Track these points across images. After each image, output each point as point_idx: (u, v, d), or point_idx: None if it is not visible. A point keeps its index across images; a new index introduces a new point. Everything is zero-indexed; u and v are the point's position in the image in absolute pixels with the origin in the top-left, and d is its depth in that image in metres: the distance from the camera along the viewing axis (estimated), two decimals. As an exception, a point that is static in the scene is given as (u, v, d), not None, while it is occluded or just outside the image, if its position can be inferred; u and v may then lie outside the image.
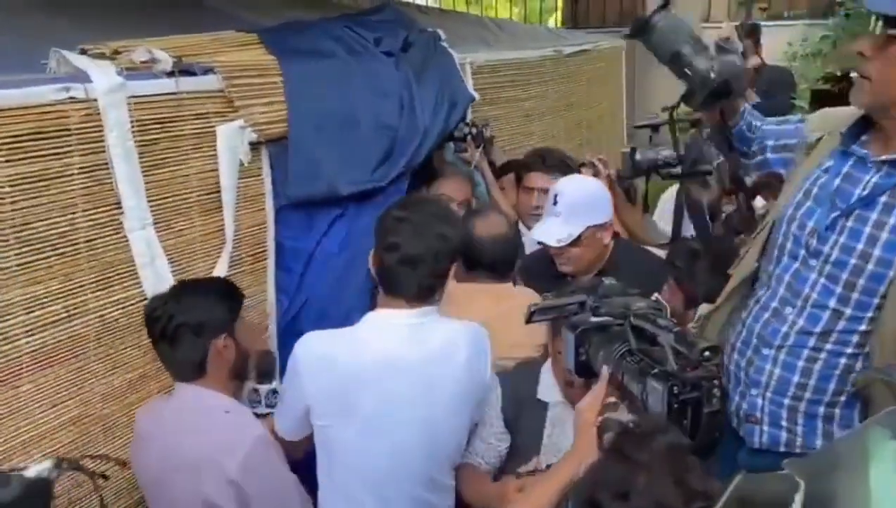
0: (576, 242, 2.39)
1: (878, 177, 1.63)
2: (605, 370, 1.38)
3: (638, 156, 2.70)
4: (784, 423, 1.78)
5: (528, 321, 1.56)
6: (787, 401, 1.76)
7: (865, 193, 1.63)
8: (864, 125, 1.70)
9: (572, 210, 2.40)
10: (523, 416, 2.04)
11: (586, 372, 1.46)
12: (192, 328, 1.86)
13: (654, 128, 2.76)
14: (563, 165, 2.95)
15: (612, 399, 1.40)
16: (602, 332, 1.42)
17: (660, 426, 1.06)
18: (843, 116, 1.77)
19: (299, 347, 1.84)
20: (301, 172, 2.41)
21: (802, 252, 1.73)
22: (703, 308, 2.10)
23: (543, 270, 2.54)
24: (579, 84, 4.32)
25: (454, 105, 2.94)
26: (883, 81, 1.58)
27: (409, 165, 2.67)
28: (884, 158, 1.63)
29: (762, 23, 6.24)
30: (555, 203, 2.44)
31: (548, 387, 2.03)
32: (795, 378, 1.74)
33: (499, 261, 2.39)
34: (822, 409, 1.73)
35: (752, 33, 4.80)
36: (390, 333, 1.81)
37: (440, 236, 1.79)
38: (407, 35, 2.91)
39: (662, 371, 1.21)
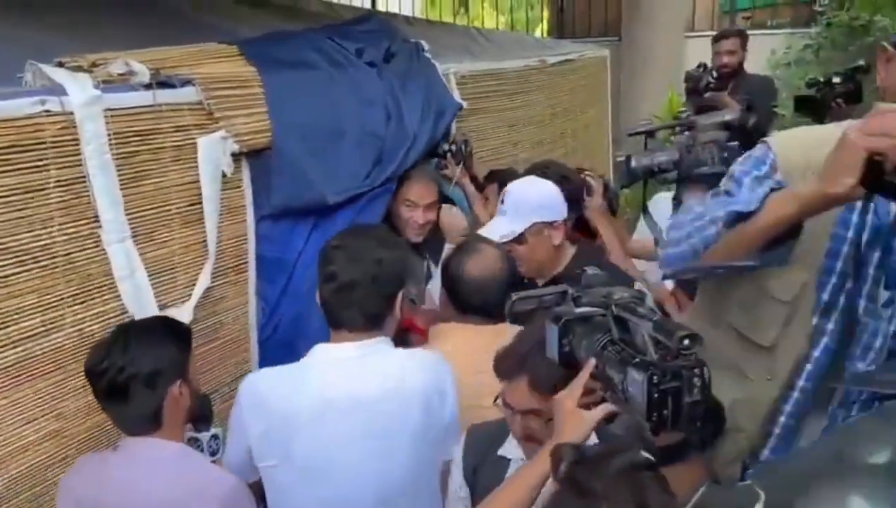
0: (521, 239, 2.38)
1: None
2: (590, 361, 1.35)
3: (633, 162, 2.68)
4: None
5: (510, 312, 1.54)
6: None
7: None
8: None
9: (517, 207, 2.41)
10: (482, 472, 1.82)
11: (570, 364, 1.43)
12: (144, 378, 1.69)
13: (650, 134, 2.74)
14: (565, 179, 2.91)
15: (593, 396, 1.38)
16: (585, 323, 1.38)
17: (611, 450, 1.04)
18: (826, 139, 1.42)
19: (242, 386, 1.78)
20: (286, 182, 2.41)
21: (864, 304, 1.57)
22: None
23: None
24: (564, 93, 4.34)
25: (441, 113, 2.95)
26: None
27: (398, 171, 2.67)
28: None
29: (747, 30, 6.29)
30: (502, 202, 2.45)
31: (512, 443, 1.79)
32: None
33: (492, 303, 2.11)
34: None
35: (740, 35, 4.85)
36: (333, 369, 1.73)
37: (377, 261, 1.74)
38: (389, 46, 2.92)
39: (642, 361, 1.19)
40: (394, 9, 8.29)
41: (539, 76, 4.06)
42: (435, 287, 2.71)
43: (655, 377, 1.13)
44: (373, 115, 2.67)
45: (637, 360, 1.20)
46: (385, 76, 2.79)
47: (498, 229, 2.39)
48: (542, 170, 2.98)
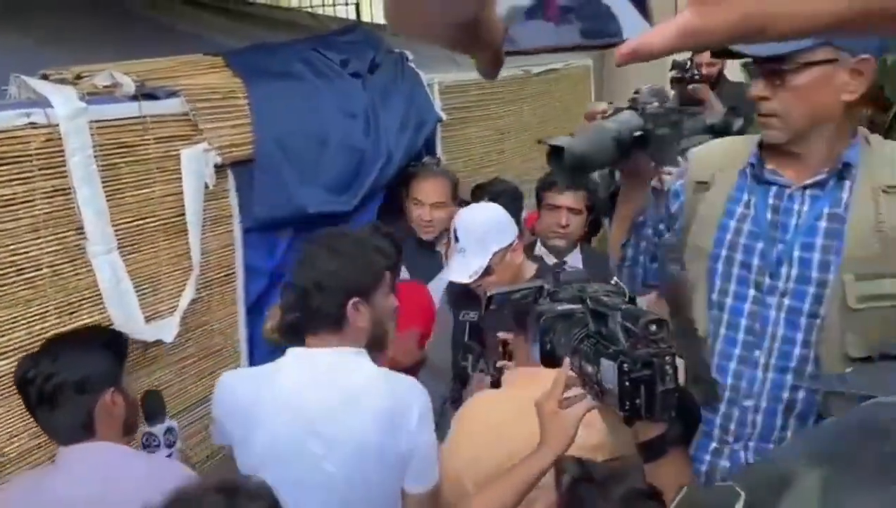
0: (488, 271, 2.29)
1: (806, 203, 1.63)
2: (566, 360, 1.36)
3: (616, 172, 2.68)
4: None
5: (487, 308, 1.54)
6: (772, 445, 1.70)
7: (802, 221, 1.63)
8: (767, 153, 1.69)
9: (474, 242, 2.31)
10: None
11: (552, 362, 1.43)
12: (73, 385, 1.63)
13: None
14: (592, 183, 2.86)
15: (575, 392, 1.38)
16: (566, 320, 1.39)
17: (615, 474, 1.04)
18: (734, 148, 1.75)
19: (217, 382, 1.82)
20: (267, 192, 2.42)
21: (753, 292, 1.68)
22: None
23: (468, 290, 2.43)
24: (549, 102, 4.36)
25: (421, 125, 2.96)
26: (792, 113, 1.59)
27: (376, 186, 2.68)
28: (807, 182, 1.62)
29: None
30: (457, 240, 2.36)
31: None
32: (778, 422, 1.69)
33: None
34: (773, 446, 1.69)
35: None
36: (298, 372, 1.74)
37: (325, 270, 1.74)
38: (374, 56, 2.93)
39: (614, 351, 1.19)
40: (379, 19, 8.30)
41: (524, 85, 4.08)
42: (436, 287, 2.69)
43: (626, 366, 1.13)
44: (355, 126, 2.69)
45: (610, 350, 1.20)
46: (368, 88, 2.81)
47: (465, 268, 2.31)
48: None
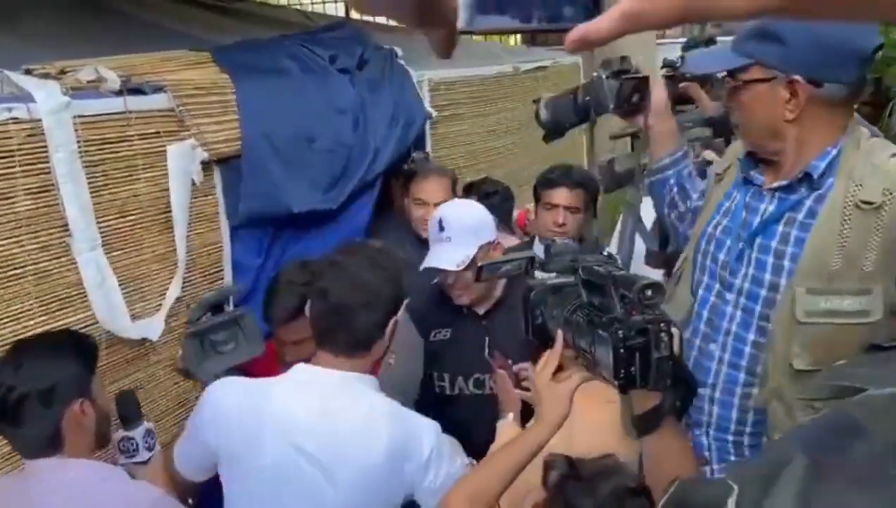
0: (470, 265, 2.19)
1: (773, 205, 1.64)
2: (558, 333, 1.33)
3: (617, 167, 2.67)
4: (732, 459, 1.72)
5: (478, 279, 1.50)
6: (730, 437, 1.73)
7: (762, 221, 1.64)
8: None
9: (462, 232, 2.24)
10: None
11: (543, 336, 1.41)
12: (38, 397, 1.53)
13: (634, 135, 2.71)
14: (590, 181, 2.83)
15: (569, 373, 1.37)
16: (557, 292, 1.36)
17: (603, 471, 1.02)
18: None
19: (208, 391, 1.69)
20: (255, 189, 2.40)
21: (717, 286, 1.71)
22: None
23: (437, 307, 2.36)
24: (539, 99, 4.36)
25: (410, 123, 2.94)
26: (745, 125, 1.66)
27: (362, 184, 2.66)
28: (774, 185, 1.64)
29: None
30: (441, 229, 2.26)
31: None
32: (734, 415, 1.71)
33: None
34: (766, 440, 1.69)
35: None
36: (302, 393, 1.61)
37: (372, 285, 1.61)
38: (363, 52, 2.91)
39: (609, 319, 1.16)
40: (368, 16, 8.28)
41: (513, 83, 4.08)
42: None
43: (621, 332, 1.10)
44: (343, 123, 2.67)
45: (603, 319, 1.18)
46: (357, 84, 2.79)
47: (451, 256, 2.20)
48: (565, 172, 2.93)
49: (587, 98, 1.94)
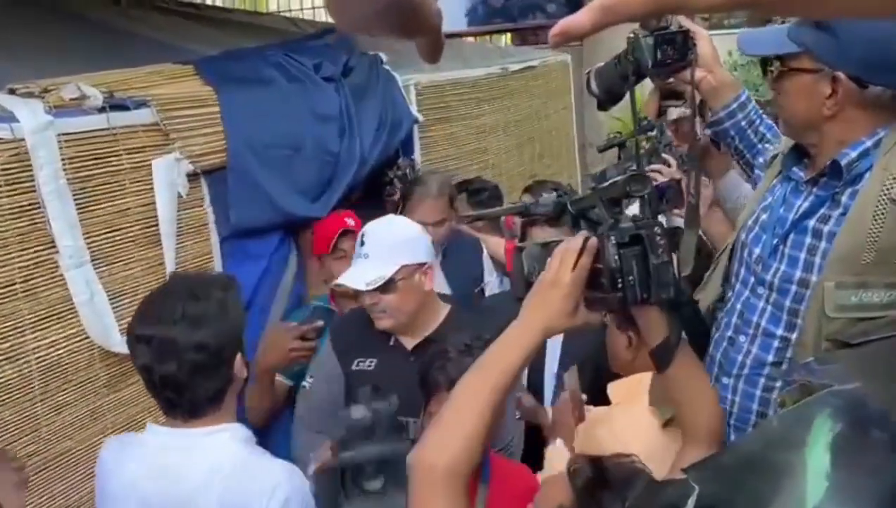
0: (389, 286, 2.03)
1: (808, 202, 1.62)
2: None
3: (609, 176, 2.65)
4: None
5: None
6: (750, 429, 1.71)
7: (797, 217, 1.62)
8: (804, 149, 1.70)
9: (381, 250, 2.07)
10: None
11: None
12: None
13: (622, 146, 2.72)
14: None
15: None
16: (546, 247, 1.27)
17: (629, 475, 0.99)
18: None
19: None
20: (242, 199, 2.41)
21: (752, 279, 1.70)
22: None
23: (359, 333, 2.17)
24: (528, 99, 4.37)
25: (397, 128, 2.95)
26: (786, 113, 1.64)
27: (349, 191, 2.68)
28: (808, 178, 1.63)
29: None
30: (362, 244, 2.11)
31: None
32: (755, 407, 1.70)
33: None
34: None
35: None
36: (149, 456, 1.53)
37: (194, 345, 1.46)
38: (348, 59, 2.92)
39: (600, 232, 1.10)
40: (354, 33, 8.25)
41: (502, 83, 4.09)
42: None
43: (613, 238, 1.04)
44: (328, 131, 2.68)
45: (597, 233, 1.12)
46: (342, 91, 2.80)
47: (362, 274, 2.04)
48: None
49: (629, 59, 1.89)
